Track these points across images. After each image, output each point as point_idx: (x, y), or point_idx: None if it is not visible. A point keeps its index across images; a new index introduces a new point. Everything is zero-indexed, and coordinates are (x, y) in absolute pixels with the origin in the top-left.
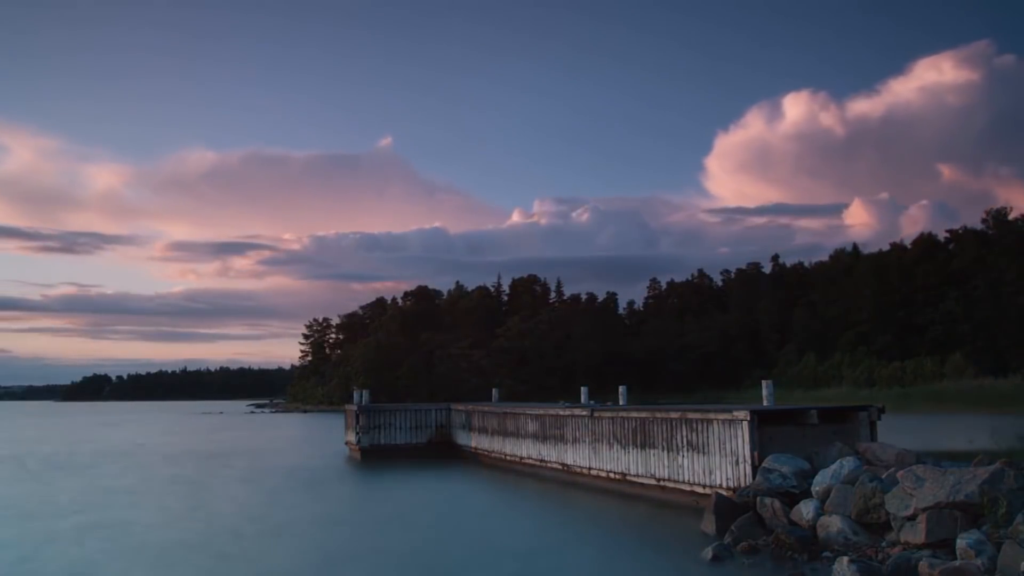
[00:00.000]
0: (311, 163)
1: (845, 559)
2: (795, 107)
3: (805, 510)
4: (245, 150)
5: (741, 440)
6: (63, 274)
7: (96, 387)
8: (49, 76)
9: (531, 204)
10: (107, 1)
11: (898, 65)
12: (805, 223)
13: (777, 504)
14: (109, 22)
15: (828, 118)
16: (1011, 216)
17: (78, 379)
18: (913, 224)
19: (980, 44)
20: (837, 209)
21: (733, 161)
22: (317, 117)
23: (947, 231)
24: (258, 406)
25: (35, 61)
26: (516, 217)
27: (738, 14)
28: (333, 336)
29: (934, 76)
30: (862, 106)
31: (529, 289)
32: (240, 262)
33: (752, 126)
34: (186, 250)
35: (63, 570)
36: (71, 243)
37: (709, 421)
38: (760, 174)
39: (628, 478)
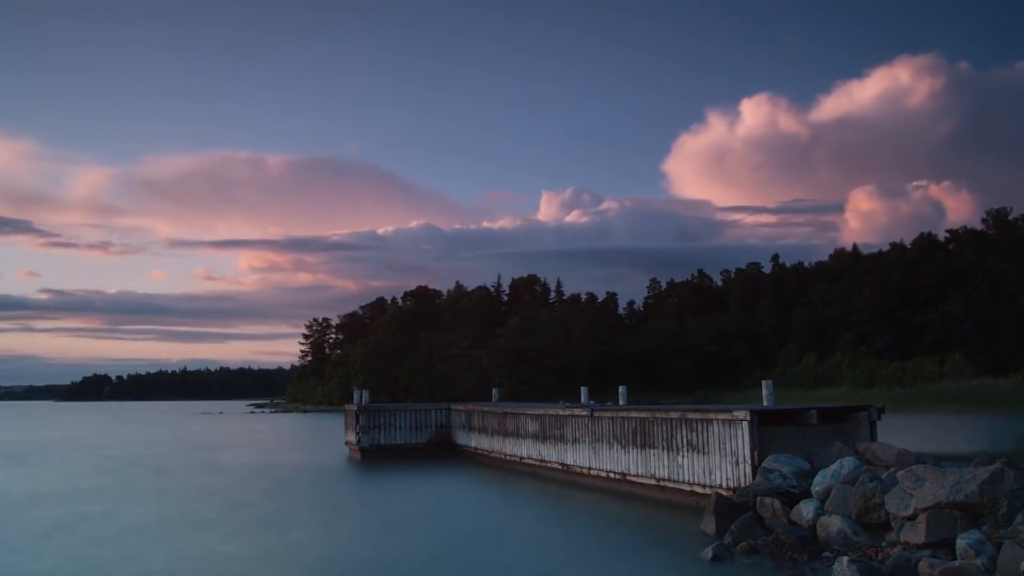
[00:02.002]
0: (297, 166)
1: (845, 559)
2: (753, 112)
3: (805, 510)
4: (232, 153)
5: (741, 440)
6: (63, 274)
7: (96, 387)
8: (24, 80)
9: (520, 204)
10: (85, 8)
11: (857, 70)
12: (802, 223)
13: (777, 504)
14: (88, 29)
15: (789, 121)
16: (1011, 216)
17: (78, 379)
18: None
19: (937, 51)
20: (833, 209)
21: (698, 163)
22: (306, 121)
23: (947, 231)
24: (258, 406)
25: (11, 64)
26: (512, 215)
27: (709, 20)
28: (333, 336)
29: (889, 82)
30: (822, 110)
31: (529, 289)
32: (238, 263)
33: (715, 128)
34: (184, 251)
35: None
36: (70, 243)
37: (709, 421)
38: (721, 175)
39: (628, 478)
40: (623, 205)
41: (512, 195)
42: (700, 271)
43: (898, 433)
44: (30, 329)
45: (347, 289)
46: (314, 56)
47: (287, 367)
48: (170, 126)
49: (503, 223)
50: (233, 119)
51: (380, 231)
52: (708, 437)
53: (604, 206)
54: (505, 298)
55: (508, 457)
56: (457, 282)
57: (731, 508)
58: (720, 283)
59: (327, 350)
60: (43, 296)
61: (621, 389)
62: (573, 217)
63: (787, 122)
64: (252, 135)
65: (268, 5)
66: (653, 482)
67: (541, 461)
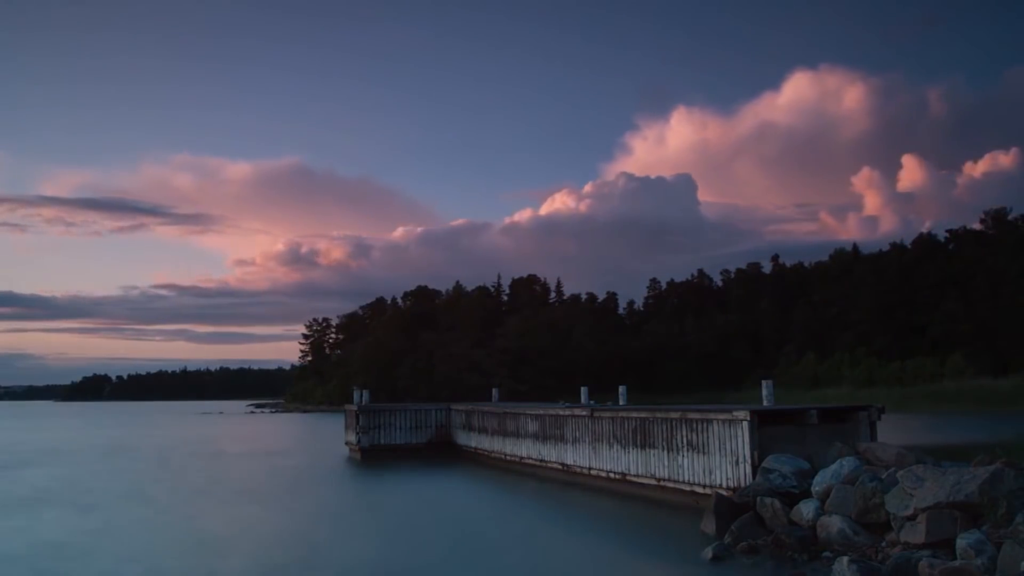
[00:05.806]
0: (293, 169)
1: (845, 559)
2: (681, 121)
3: (805, 510)
4: (222, 158)
5: (741, 440)
6: (62, 274)
7: (96, 387)
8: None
9: (519, 204)
10: (64, 13)
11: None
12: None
13: (777, 504)
14: (68, 35)
15: (715, 129)
16: (1011, 216)
17: (78, 379)
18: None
19: (864, 58)
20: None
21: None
22: (300, 125)
23: (947, 231)
24: (258, 406)
25: None
26: (510, 215)
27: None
28: (333, 336)
29: (817, 87)
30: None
31: (529, 289)
32: (238, 263)
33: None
34: (183, 251)
35: None
36: (67, 243)
37: (709, 421)
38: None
39: (628, 478)
40: (618, 202)
41: (511, 194)
42: (700, 271)
43: (898, 433)
44: (31, 329)
45: (346, 289)
46: (304, 60)
47: (287, 367)
48: (153, 130)
49: (501, 223)
50: (228, 124)
51: (378, 232)
52: (708, 437)
53: (598, 205)
54: (505, 298)
55: (508, 457)
56: (457, 282)
57: (731, 508)
58: (720, 283)
59: (327, 350)
60: (43, 296)
61: (621, 389)
62: (574, 215)
63: (714, 130)
64: (246, 138)
65: (253, 8)
66: (653, 482)
67: (541, 461)
